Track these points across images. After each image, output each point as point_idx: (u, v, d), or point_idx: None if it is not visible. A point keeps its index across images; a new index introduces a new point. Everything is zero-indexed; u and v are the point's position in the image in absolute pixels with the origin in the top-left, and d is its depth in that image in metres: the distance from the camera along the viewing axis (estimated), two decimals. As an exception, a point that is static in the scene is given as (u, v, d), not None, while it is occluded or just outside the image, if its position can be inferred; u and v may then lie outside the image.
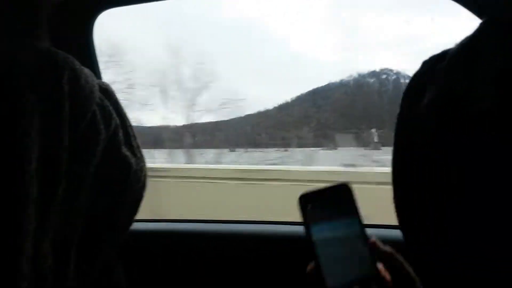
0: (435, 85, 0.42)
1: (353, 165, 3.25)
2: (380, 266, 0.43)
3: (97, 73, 0.85)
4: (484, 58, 0.38)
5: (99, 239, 0.57)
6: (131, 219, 0.60)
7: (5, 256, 0.40)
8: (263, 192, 2.92)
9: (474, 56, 0.39)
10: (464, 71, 0.39)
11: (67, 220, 0.50)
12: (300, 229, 0.93)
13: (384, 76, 3.66)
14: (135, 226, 0.63)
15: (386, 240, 0.90)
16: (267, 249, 0.93)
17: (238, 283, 0.93)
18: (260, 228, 0.97)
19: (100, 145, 0.52)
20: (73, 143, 0.48)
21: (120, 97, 0.60)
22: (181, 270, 0.96)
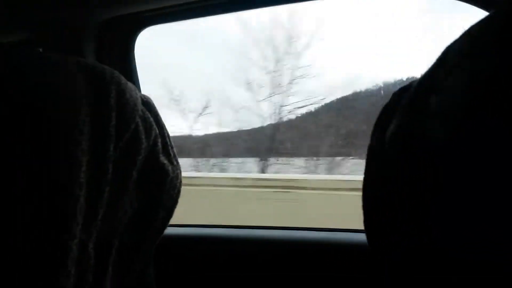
0: (396, 119, 0.43)
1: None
2: None
3: (137, 86, 0.90)
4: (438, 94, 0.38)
5: (137, 243, 0.60)
6: (166, 223, 0.63)
7: (53, 257, 0.43)
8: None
9: (426, 92, 0.39)
10: (418, 107, 0.40)
11: (109, 223, 0.53)
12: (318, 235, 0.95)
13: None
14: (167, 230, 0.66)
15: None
16: (286, 255, 0.95)
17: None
18: (283, 234, 0.99)
19: (141, 154, 0.56)
20: (118, 152, 0.52)
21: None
22: (205, 274, 0.99)
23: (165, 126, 0.64)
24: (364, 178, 0.49)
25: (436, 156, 0.36)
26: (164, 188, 0.60)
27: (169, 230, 1.05)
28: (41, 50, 0.83)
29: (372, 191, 0.48)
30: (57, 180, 0.45)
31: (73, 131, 0.46)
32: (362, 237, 0.94)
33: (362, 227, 0.49)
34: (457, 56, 0.38)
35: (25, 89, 0.47)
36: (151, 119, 0.59)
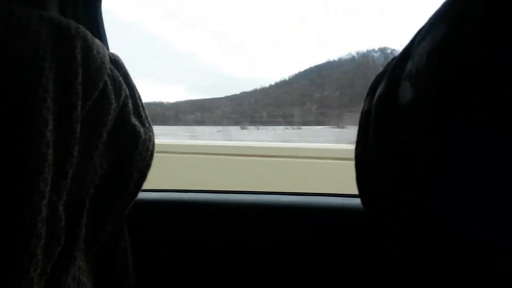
0: (381, 84, 0.43)
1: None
2: None
3: (105, 44, 0.85)
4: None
5: (109, 204, 0.60)
6: (139, 186, 0.63)
7: (22, 216, 0.42)
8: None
9: (405, 58, 0.39)
10: (397, 72, 0.40)
11: (80, 184, 0.52)
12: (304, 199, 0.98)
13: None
14: (140, 195, 0.65)
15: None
16: (266, 219, 0.97)
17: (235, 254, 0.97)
18: (259, 198, 1.01)
19: (110, 114, 0.54)
20: (86, 111, 0.50)
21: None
22: (181, 239, 1.00)
23: (135, 86, 0.62)
24: (357, 143, 0.48)
25: (421, 121, 0.36)
26: (136, 150, 0.59)
27: (143, 195, 1.06)
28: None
29: (366, 157, 0.47)
30: (22, 137, 0.43)
31: (37, 88, 0.44)
32: (349, 201, 0.98)
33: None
34: (429, 23, 0.38)
35: None
36: (120, 78, 0.57)
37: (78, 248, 0.52)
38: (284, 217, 0.96)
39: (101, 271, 0.63)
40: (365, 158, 0.47)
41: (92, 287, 0.59)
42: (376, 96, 0.43)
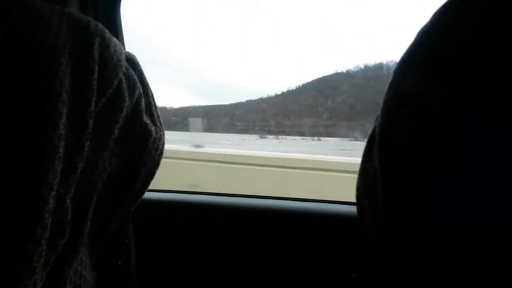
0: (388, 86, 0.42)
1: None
2: None
3: (122, 43, 0.86)
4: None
5: (116, 201, 0.60)
6: (147, 184, 0.63)
7: (29, 206, 0.43)
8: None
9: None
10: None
11: (88, 179, 0.52)
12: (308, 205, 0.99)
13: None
14: (146, 195, 0.66)
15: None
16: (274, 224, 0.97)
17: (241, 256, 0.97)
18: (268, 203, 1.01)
19: (123, 112, 0.55)
20: (100, 108, 0.51)
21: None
22: (186, 240, 1.00)
23: (149, 85, 0.63)
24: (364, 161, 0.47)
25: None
26: (146, 148, 0.60)
27: (150, 195, 1.07)
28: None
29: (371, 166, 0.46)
30: (36, 128, 0.44)
31: (54, 82, 0.45)
32: (343, 208, 0.99)
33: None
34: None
35: (8, 36, 0.45)
36: (135, 77, 0.58)
37: (82, 243, 0.52)
38: (290, 221, 0.96)
39: (103, 267, 0.63)
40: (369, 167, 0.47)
41: (93, 282, 0.60)
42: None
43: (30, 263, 0.42)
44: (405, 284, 0.43)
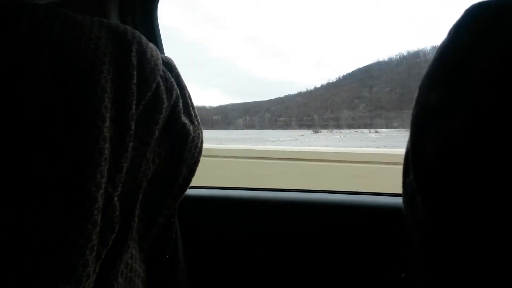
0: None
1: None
2: None
3: (160, 48, 0.91)
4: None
5: (160, 197, 0.63)
6: (188, 180, 0.66)
7: (80, 204, 0.46)
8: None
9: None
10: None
11: (134, 177, 0.56)
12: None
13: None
14: (188, 191, 0.69)
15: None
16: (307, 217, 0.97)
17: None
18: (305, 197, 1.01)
19: (162, 113, 0.58)
20: (140, 110, 0.54)
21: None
22: (230, 234, 1.03)
23: (186, 87, 0.66)
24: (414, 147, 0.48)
25: None
26: (186, 147, 0.63)
27: (192, 191, 1.11)
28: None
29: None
30: (82, 132, 0.47)
31: (96, 89, 0.49)
32: (368, 199, 0.97)
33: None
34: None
35: (50, 47, 0.49)
36: (172, 79, 0.61)
37: (131, 237, 0.56)
38: (326, 215, 0.96)
39: (153, 260, 0.67)
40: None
41: (144, 275, 0.63)
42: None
43: (83, 256, 0.46)
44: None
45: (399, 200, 0.90)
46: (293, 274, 0.98)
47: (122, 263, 0.54)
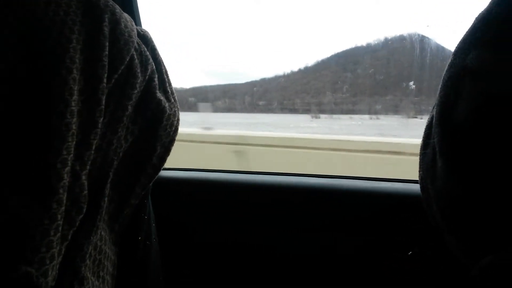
0: None
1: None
2: None
3: (136, 19, 0.86)
4: None
5: (133, 177, 0.61)
6: (163, 160, 0.63)
7: (44, 181, 0.43)
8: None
9: None
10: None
11: (104, 155, 0.53)
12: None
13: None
14: (162, 173, 0.66)
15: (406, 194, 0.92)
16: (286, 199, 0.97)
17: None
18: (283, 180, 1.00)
19: (136, 88, 0.55)
20: (112, 84, 0.51)
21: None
22: (204, 217, 1.01)
23: (162, 61, 0.62)
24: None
25: None
26: (161, 124, 0.60)
27: (167, 173, 1.08)
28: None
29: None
30: (47, 104, 0.44)
31: (64, 58, 0.45)
32: (365, 184, 0.96)
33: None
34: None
35: (16, 11, 0.45)
36: (148, 53, 0.58)
37: (100, 218, 0.53)
38: (312, 199, 0.95)
39: (125, 242, 0.65)
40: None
41: (114, 257, 0.61)
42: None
43: (47, 237, 0.43)
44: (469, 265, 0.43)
45: (407, 186, 0.90)
46: (266, 259, 0.98)
47: (90, 245, 0.51)
